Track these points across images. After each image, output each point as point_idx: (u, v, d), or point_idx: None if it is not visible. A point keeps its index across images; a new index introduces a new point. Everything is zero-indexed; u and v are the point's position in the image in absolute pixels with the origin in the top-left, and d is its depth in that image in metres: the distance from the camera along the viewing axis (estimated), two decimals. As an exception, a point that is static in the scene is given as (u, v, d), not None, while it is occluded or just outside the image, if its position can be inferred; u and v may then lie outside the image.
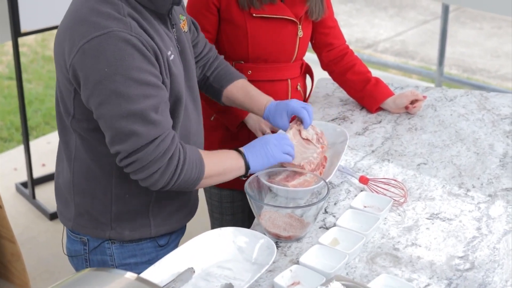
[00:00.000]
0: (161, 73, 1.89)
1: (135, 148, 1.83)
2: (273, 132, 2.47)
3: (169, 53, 1.93)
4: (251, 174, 2.09)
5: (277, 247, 1.94)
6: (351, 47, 2.80)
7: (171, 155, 1.88)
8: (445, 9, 5.03)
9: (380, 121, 2.66)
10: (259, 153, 2.08)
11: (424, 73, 5.72)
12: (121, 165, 1.88)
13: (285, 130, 2.27)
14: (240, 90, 2.33)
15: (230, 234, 1.94)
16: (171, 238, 2.16)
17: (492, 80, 6.29)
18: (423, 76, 5.83)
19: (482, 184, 2.27)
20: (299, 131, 2.27)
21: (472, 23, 7.61)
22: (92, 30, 1.80)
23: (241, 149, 2.08)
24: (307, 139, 2.27)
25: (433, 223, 2.07)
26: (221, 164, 2.02)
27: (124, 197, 2.00)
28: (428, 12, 7.94)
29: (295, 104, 2.25)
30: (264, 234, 1.96)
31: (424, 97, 2.70)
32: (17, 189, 4.34)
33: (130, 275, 1.35)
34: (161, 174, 1.88)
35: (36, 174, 4.35)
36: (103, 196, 2.01)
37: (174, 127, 1.98)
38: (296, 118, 2.29)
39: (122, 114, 1.80)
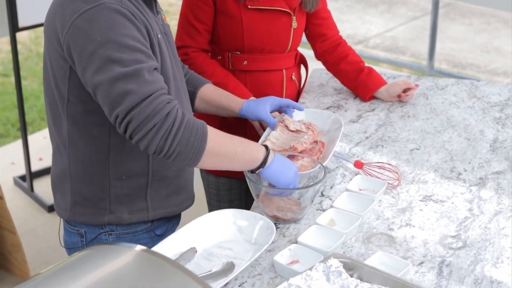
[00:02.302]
0: (152, 48, 1.91)
1: (131, 106, 1.80)
2: (262, 127, 2.52)
3: (157, 32, 1.97)
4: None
5: (276, 228, 1.99)
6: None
7: (167, 112, 1.83)
8: (436, 3, 5.11)
9: (374, 109, 2.72)
10: (285, 164, 2.04)
11: (415, 67, 5.80)
12: (121, 130, 1.84)
13: (266, 120, 2.36)
14: (214, 90, 2.38)
15: (231, 216, 2.00)
16: (168, 227, 2.18)
17: (482, 75, 6.37)
18: (414, 70, 5.90)
19: (473, 168, 2.34)
20: (286, 126, 2.35)
21: (461, 19, 7.69)
22: (83, 5, 1.83)
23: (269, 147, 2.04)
24: (296, 130, 2.35)
25: (426, 205, 2.14)
26: (233, 146, 1.95)
27: (121, 179, 2.02)
28: (418, 8, 8.01)
29: (277, 98, 2.37)
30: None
31: (416, 85, 2.77)
32: (15, 182, 4.39)
33: (139, 248, 1.40)
34: (156, 131, 1.82)
35: (34, 168, 4.40)
36: (101, 180, 2.02)
37: None
38: (281, 118, 2.39)
39: (117, 77, 1.80)
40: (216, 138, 1.91)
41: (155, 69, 1.88)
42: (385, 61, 5.99)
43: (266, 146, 2.03)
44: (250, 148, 2.00)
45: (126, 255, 1.41)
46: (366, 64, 2.81)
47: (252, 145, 2.02)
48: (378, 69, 2.84)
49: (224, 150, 1.93)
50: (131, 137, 1.85)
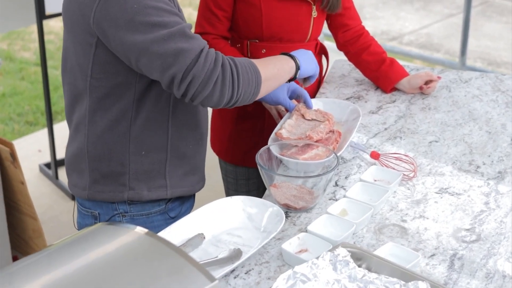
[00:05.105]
0: None
1: (187, 64, 1.84)
2: (280, 116, 2.50)
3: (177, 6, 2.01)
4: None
5: (287, 217, 1.98)
6: (376, 39, 2.82)
7: (221, 62, 1.89)
8: (468, -1, 5.05)
9: (395, 101, 2.69)
10: (307, 56, 2.23)
11: (447, 63, 5.74)
12: (180, 91, 1.86)
13: (285, 104, 2.35)
14: None
15: (240, 203, 1.98)
16: (182, 210, 2.19)
17: (517, 73, 6.28)
18: (446, 66, 5.85)
19: (492, 161, 2.29)
20: (302, 115, 2.33)
21: (498, 17, 7.58)
22: None
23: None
24: (312, 119, 2.33)
25: (441, 197, 2.10)
26: (272, 65, 2.08)
27: (140, 154, 2.02)
28: (454, 6, 7.92)
29: (293, 83, 2.36)
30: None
31: (439, 77, 2.73)
32: (41, 169, 4.42)
33: (140, 229, 1.39)
34: (222, 82, 1.88)
35: (60, 156, 4.41)
36: (121, 155, 2.02)
37: None
38: (296, 106, 2.37)
39: (163, 37, 1.82)
40: (260, 66, 2.01)
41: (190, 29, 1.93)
42: (418, 57, 5.93)
43: (283, 53, 2.21)
44: (281, 60, 2.15)
45: (124, 236, 1.40)
46: (399, 61, 2.76)
47: (279, 57, 2.17)
48: (408, 64, 2.80)
49: (270, 72, 2.06)
50: (193, 96, 1.88)
